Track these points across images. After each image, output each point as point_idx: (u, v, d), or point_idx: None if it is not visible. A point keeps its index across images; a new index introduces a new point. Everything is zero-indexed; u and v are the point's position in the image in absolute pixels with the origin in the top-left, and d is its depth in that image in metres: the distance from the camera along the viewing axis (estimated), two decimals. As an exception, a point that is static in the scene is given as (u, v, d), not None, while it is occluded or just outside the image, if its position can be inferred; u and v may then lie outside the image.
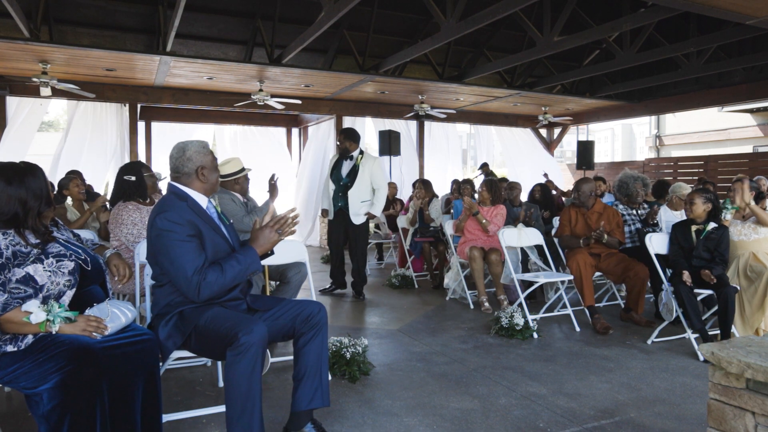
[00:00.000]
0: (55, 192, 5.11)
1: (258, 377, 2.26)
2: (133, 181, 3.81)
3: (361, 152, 5.74)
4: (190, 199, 2.49)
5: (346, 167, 5.70)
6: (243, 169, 4.29)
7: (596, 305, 4.72)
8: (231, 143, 12.03)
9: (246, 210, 4.28)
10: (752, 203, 4.24)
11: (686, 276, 3.98)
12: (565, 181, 12.77)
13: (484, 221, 5.39)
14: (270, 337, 2.70)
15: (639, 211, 5.26)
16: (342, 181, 5.67)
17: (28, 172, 2.21)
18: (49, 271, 2.15)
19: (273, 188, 4.65)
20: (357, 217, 5.66)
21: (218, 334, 2.30)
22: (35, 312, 2.04)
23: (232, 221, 2.83)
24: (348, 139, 5.68)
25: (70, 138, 9.35)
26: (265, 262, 3.42)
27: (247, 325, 2.25)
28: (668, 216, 5.43)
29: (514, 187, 6.21)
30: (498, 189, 5.63)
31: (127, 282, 2.62)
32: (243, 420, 2.24)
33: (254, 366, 2.23)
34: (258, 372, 2.25)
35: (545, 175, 9.67)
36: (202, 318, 2.38)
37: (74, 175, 5.23)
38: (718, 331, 3.97)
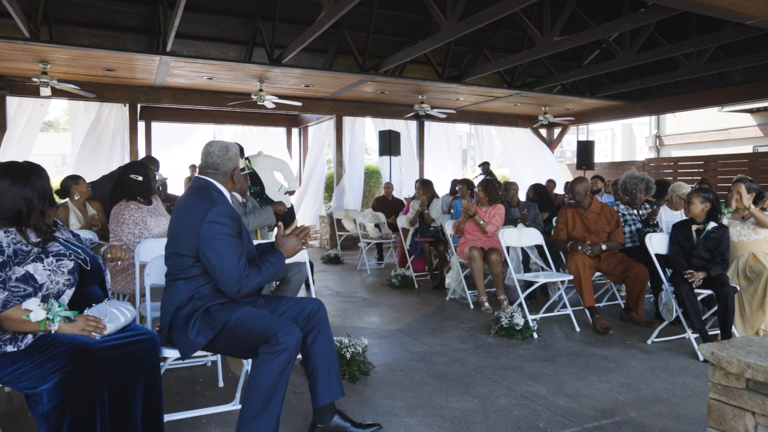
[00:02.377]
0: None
1: (285, 380, 2.28)
2: (141, 181, 3.80)
3: (247, 159, 5.88)
4: (224, 198, 2.52)
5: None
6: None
7: (596, 305, 4.71)
8: (231, 143, 12.02)
9: (244, 210, 4.28)
10: (752, 206, 4.23)
11: (698, 276, 3.94)
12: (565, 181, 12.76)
13: (481, 222, 5.39)
14: None
15: (640, 212, 5.26)
16: (252, 189, 5.78)
17: (32, 171, 2.22)
18: (49, 270, 2.16)
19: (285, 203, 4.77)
20: (288, 202, 5.88)
21: (254, 331, 2.31)
22: (35, 310, 2.04)
23: None
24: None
25: (76, 138, 9.37)
26: None
27: (287, 327, 2.29)
28: (668, 216, 5.43)
29: (510, 187, 6.20)
30: (494, 188, 5.63)
31: (123, 257, 2.63)
32: (262, 419, 2.25)
33: (285, 367, 2.26)
34: (287, 375, 2.28)
35: (550, 181, 9.65)
36: (234, 315, 2.39)
37: (74, 181, 5.14)
38: (718, 331, 3.97)
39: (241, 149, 5.85)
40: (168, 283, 2.52)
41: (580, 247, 4.69)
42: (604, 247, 4.71)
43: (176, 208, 2.54)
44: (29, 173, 2.20)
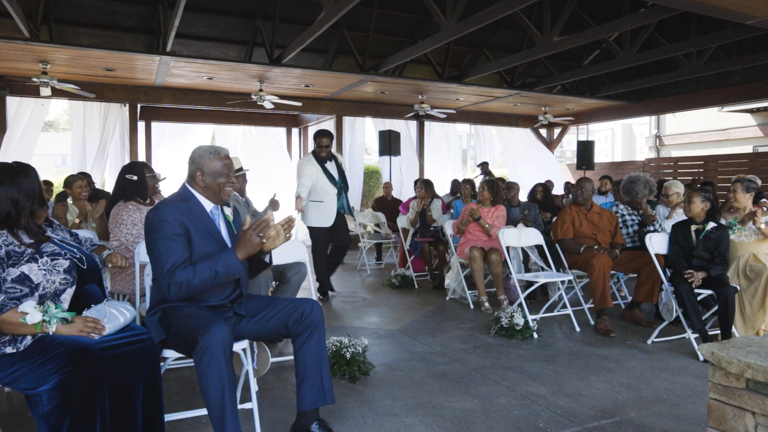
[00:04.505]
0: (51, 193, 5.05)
1: (223, 377, 2.20)
2: (135, 180, 3.81)
3: (335, 156, 5.80)
4: (193, 200, 2.49)
5: (332, 170, 5.66)
6: (241, 169, 4.30)
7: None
8: (231, 143, 12.02)
9: (248, 209, 4.29)
10: (763, 226, 4.15)
11: (698, 276, 3.93)
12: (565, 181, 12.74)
13: (487, 226, 5.38)
14: (264, 337, 2.68)
15: (639, 211, 5.26)
16: (338, 185, 5.68)
17: (19, 171, 2.21)
18: (44, 269, 2.15)
19: (274, 204, 4.70)
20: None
21: (184, 336, 2.29)
22: (31, 313, 2.03)
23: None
24: (332, 141, 5.71)
25: (76, 138, 9.38)
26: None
27: (206, 326, 2.21)
28: (664, 212, 5.42)
29: (512, 187, 6.20)
30: (498, 189, 5.63)
31: (123, 265, 2.63)
32: (220, 422, 2.21)
33: (217, 366, 2.18)
34: (224, 372, 2.19)
35: (549, 181, 9.64)
36: (174, 318, 2.38)
37: (80, 177, 5.20)
38: (719, 331, 3.97)
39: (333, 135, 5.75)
40: (151, 287, 2.60)
41: (598, 249, 4.67)
42: (617, 252, 4.80)
43: None
44: (15, 174, 2.19)
